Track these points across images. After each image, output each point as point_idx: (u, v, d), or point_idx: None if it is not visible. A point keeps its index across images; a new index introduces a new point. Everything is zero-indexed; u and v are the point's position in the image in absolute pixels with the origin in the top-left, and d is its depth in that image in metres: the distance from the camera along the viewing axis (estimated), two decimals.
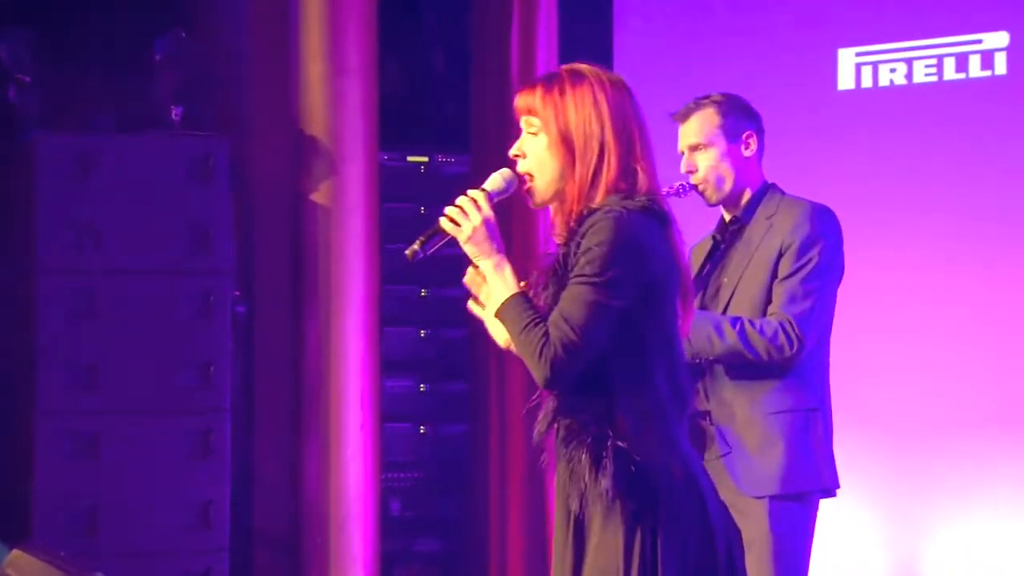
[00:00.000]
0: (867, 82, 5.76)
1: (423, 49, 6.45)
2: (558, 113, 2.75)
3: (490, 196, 2.79)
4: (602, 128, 2.74)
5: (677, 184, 3.88)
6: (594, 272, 2.66)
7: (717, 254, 3.91)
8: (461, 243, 2.77)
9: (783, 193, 3.89)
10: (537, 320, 2.69)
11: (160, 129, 5.28)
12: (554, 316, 2.68)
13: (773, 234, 3.80)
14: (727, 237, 3.90)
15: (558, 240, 2.76)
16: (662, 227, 2.75)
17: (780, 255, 3.77)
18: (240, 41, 5.63)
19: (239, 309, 5.42)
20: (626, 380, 2.70)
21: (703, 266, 3.93)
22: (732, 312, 3.80)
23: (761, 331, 3.71)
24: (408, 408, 6.03)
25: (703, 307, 3.87)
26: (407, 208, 5.99)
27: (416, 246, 2.79)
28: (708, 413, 3.81)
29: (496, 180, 2.81)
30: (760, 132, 3.91)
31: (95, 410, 5.07)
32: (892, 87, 5.72)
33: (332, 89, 5.48)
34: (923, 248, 5.61)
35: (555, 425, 2.76)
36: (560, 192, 2.77)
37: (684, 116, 3.89)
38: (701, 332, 3.71)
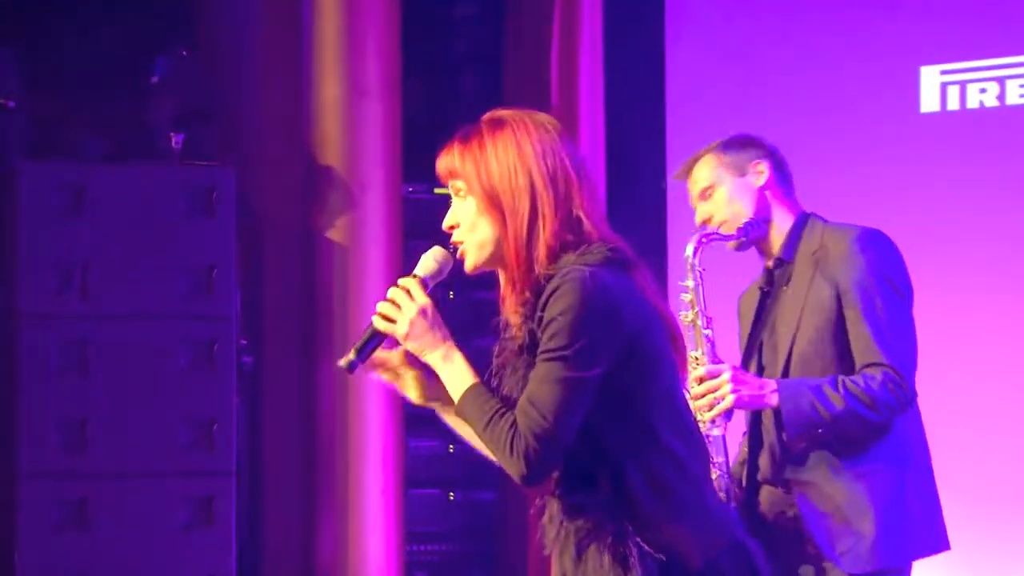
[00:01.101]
0: (953, 104, 5.76)
1: (451, 69, 6.46)
2: (479, 169, 2.73)
3: (424, 282, 2.79)
4: (530, 177, 2.70)
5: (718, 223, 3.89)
6: (560, 345, 2.62)
7: (766, 305, 3.88)
8: (400, 341, 2.75)
9: (825, 221, 3.86)
10: (501, 410, 2.66)
11: (158, 158, 5.33)
12: (521, 402, 2.64)
13: (822, 273, 3.76)
14: (773, 283, 3.87)
15: (511, 315, 2.72)
16: (628, 275, 2.71)
17: (838, 298, 3.73)
18: (247, 60, 5.66)
19: (245, 359, 5.43)
20: (633, 453, 2.66)
21: (754, 322, 3.88)
22: (796, 369, 3.76)
23: (867, 388, 3.65)
24: (435, 471, 6.01)
25: (760, 367, 3.83)
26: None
27: (351, 355, 2.76)
28: (788, 481, 3.77)
29: (427, 263, 2.81)
30: (772, 159, 3.90)
31: (84, 473, 5.08)
32: (982, 109, 5.71)
33: (349, 113, 5.53)
34: (1021, 288, 5.59)
35: (563, 531, 2.71)
36: (497, 257, 2.75)
37: (685, 171, 3.94)
38: (801, 401, 3.65)
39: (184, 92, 5.38)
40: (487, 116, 2.79)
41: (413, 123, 5.81)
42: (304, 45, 5.56)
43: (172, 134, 5.32)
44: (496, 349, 2.76)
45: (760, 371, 3.83)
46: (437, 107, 6.35)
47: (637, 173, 6.24)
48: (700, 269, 3.86)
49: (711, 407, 3.68)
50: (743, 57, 6.05)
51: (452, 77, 6.46)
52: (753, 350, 3.88)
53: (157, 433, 5.12)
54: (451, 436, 6.14)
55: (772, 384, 3.69)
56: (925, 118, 5.81)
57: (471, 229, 2.76)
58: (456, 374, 2.73)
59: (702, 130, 5.99)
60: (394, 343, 2.79)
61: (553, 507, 2.72)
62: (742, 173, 3.87)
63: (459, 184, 2.77)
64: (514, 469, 2.65)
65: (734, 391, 3.67)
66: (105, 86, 5.56)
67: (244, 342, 5.39)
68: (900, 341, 3.70)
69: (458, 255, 2.80)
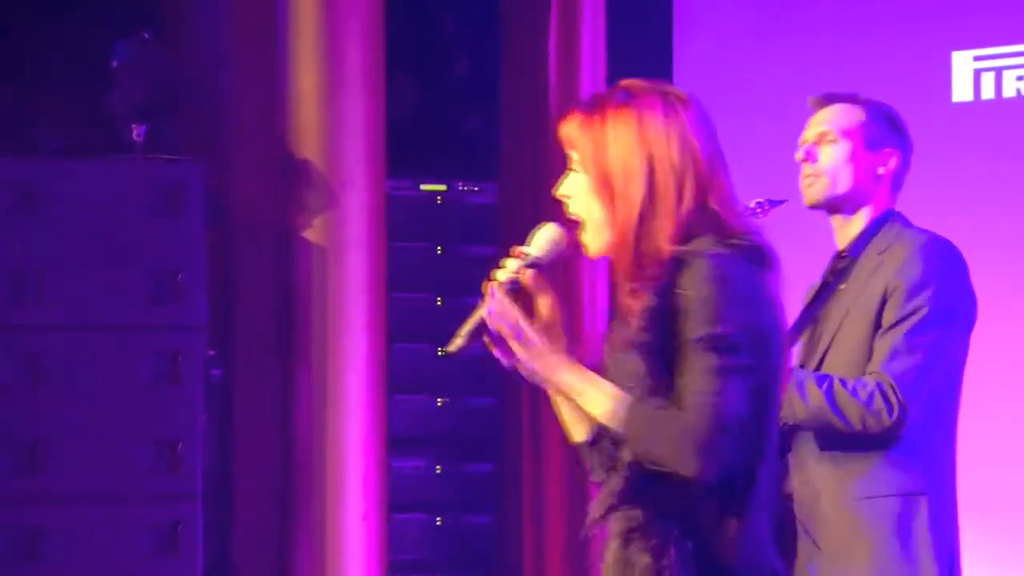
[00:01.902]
0: (988, 92, 5.73)
1: (442, 57, 6.48)
2: (596, 146, 2.74)
3: (533, 263, 2.76)
4: (649, 162, 2.71)
5: (754, 202, 3.88)
6: (706, 335, 2.63)
7: (821, 298, 3.88)
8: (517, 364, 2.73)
9: (903, 224, 3.86)
10: (659, 406, 2.64)
11: (119, 152, 5.28)
12: (686, 400, 2.63)
13: (880, 274, 3.77)
14: (835, 276, 3.87)
15: (626, 302, 2.70)
16: (763, 270, 2.72)
17: (884, 300, 3.73)
18: (217, 45, 5.63)
19: (214, 372, 5.39)
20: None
21: (804, 313, 3.89)
22: (826, 370, 3.76)
23: (854, 393, 3.67)
24: (421, 494, 6.01)
25: (801, 363, 3.84)
26: (420, 247, 6.03)
27: (459, 341, 2.75)
28: (794, 498, 3.79)
29: (540, 243, 2.79)
30: (905, 155, 3.89)
31: (36, 498, 5.04)
32: (1019, 98, 5.69)
33: (329, 104, 5.50)
34: None
35: (616, 513, 2.72)
36: (610, 243, 2.76)
37: (825, 102, 3.90)
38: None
39: (147, 79, 5.33)
40: (619, 84, 2.79)
41: (398, 115, 5.80)
42: (280, 29, 5.53)
43: (134, 125, 5.27)
44: (605, 337, 2.74)
45: (800, 365, 3.84)
46: (425, 97, 6.34)
47: None
48: None
49: None
50: (758, 43, 6.04)
51: (442, 64, 6.47)
52: (793, 340, 3.84)
53: (116, 454, 5.07)
54: (438, 456, 6.23)
55: None
56: (957, 108, 5.79)
57: (585, 208, 2.76)
58: (586, 387, 2.69)
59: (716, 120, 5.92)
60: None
61: (611, 485, 2.72)
62: (873, 148, 3.85)
63: (575, 155, 2.78)
64: (690, 466, 2.62)
65: None
66: (59, 73, 5.56)
67: (212, 353, 5.35)
68: (915, 357, 3.68)
69: (577, 236, 2.78)
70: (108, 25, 5.51)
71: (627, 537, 2.70)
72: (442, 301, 5.92)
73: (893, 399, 3.65)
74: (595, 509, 2.74)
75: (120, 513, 5.06)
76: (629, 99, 2.75)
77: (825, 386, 3.67)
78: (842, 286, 3.82)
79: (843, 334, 3.76)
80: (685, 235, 2.68)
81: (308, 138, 5.49)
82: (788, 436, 3.78)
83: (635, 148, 2.71)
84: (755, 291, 2.68)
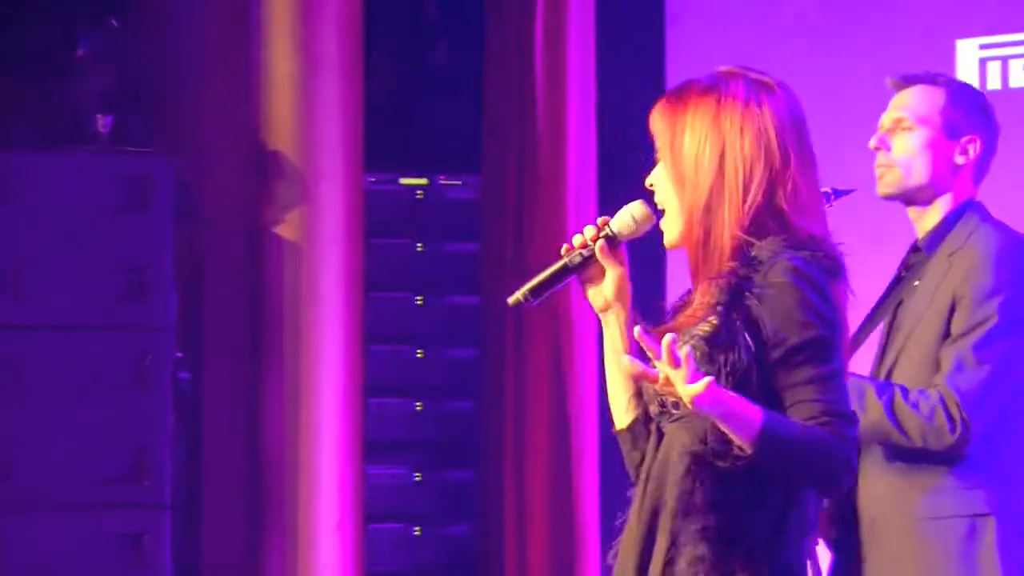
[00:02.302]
0: (995, 82, 5.67)
1: (422, 41, 6.44)
2: (673, 134, 2.79)
3: (612, 239, 2.82)
4: (720, 156, 2.74)
5: None
6: (809, 339, 2.68)
7: (891, 294, 3.80)
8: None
9: (982, 217, 3.77)
10: (806, 423, 2.68)
11: (84, 144, 5.29)
12: (811, 411, 2.68)
13: (950, 279, 3.69)
14: (909, 271, 3.80)
15: (701, 296, 2.74)
16: (834, 281, 2.74)
17: (953, 308, 3.66)
18: (187, 31, 5.61)
19: (183, 375, 5.37)
20: (788, 491, 2.74)
21: (874, 310, 3.81)
22: (899, 376, 3.69)
23: (915, 406, 3.60)
24: (398, 503, 5.98)
25: (872, 371, 3.77)
26: (399, 244, 6.01)
27: (519, 295, 2.82)
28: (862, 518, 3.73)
29: (622, 216, 2.85)
30: (988, 140, 3.81)
31: None
32: None
33: (303, 92, 5.49)
34: None
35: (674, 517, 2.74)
36: (681, 233, 2.81)
37: (905, 83, 3.82)
38: None
39: (114, 68, 5.35)
40: (719, 71, 2.83)
41: (376, 104, 5.78)
42: (253, 14, 5.52)
43: (99, 116, 5.28)
44: (674, 326, 2.76)
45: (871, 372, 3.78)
46: (404, 85, 6.32)
47: (634, 153, 6.16)
48: None
49: None
50: (755, 30, 5.99)
51: (422, 50, 6.43)
52: (863, 337, 3.78)
53: (80, 461, 5.07)
54: (416, 463, 6.21)
55: None
56: None
57: (665, 198, 2.82)
58: (741, 408, 2.65)
59: None
60: (587, 278, 2.85)
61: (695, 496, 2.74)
62: (953, 136, 3.78)
63: (659, 143, 2.85)
64: (845, 475, 2.70)
65: None
66: (26, 64, 5.50)
67: (181, 355, 5.34)
68: (982, 371, 3.61)
69: (660, 221, 2.85)
70: (74, 12, 5.50)
71: (689, 539, 2.71)
72: (422, 301, 5.90)
73: (956, 415, 3.59)
74: (640, 514, 2.75)
75: (83, 523, 5.06)
76: (712, 87, 2.78)
77: (885, 397, 3.61)
78: (916, 282, 3.74)
79: (912, 342, 3.69)
80: (752, 231, 2.72)
81: (282, 127, 5.49)
82: None
83: (708, 138, 2.75)
84: (832, 294, 2.72)
